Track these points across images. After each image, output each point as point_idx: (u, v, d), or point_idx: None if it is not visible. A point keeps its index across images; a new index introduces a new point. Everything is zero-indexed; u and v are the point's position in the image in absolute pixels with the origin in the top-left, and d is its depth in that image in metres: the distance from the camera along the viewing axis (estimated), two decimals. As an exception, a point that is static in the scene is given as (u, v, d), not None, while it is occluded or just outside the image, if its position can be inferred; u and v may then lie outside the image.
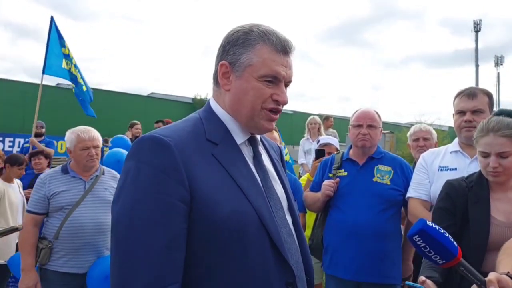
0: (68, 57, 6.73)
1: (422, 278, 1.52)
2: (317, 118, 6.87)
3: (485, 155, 1.82)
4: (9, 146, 19.97)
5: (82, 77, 7.04)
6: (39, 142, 6.99)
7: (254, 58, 1.17)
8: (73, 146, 2.82)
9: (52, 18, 6.57)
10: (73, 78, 6.88)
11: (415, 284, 1.49)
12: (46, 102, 21.71)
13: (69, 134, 2.86)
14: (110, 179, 2.94)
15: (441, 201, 1.95)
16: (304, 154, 6.79)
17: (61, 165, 2.89)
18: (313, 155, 6.51)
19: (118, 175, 3.04)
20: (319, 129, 6.74)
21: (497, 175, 1.81)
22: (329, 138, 4.02)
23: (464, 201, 1.87)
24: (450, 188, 1.94)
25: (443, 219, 1.87)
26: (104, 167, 3.01)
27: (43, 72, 6.53)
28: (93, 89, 7.79)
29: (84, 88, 7.13)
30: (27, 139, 7.36)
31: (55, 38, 6.57)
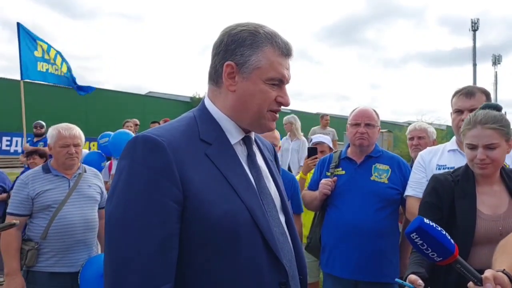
0: (42, 59, 6.73)
1: (412, 277, 1.53)
2: (289, 118, 6.91)
3: (472, 147, 1.83)
4: (7, 145, 19.97)
5: (68, 69, 7.07)
6: (39, 141, 7.07)
7: (263, 61, 1.18)
8: (53, 143, 2.77)
9: (18, 25, 6.57)
10: (53, 78, 6.89)
11: (405, 283, 1.50)
12: (46, 101, 21.65)
13: (51, 130, 2.82)
14: (93, 177, 2.92)
15: (428, 195, 1.96)
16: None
17: (41, 165, 2.85)
18: (290, 155, 6.60)
19: (99, 173, 3.06)
20: (292, 129, 6.84)
21: (485, 167, 1.82)
22: (321, 136, 4.03)
23: (450, 195, 1.88)
24: (437, 182, 1.95)
25: (429, 213, 1.88)
26: (85, 166, 2.98)
27: (21, 78, 6.58)
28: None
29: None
30: (28, 138, 7.45)
31: (25, 43, 6.59)
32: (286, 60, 1.23)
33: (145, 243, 1.01)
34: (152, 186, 1.03)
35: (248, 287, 1.09)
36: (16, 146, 19.52)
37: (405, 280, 1.56)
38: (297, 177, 3.76)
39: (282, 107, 1.28)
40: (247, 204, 1.12)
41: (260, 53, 1.18)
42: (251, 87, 1.18)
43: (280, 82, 1.21)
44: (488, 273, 1.34)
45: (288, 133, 6.93)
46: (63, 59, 7.16)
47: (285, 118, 6.93)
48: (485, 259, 1.71)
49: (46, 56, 6.83)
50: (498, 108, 1.89)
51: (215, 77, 1.24)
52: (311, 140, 3.97)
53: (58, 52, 7.06)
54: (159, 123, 8.00)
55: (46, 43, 6.90)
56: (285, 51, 1.22)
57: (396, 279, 1.53)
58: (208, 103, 1.26)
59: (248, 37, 1.19)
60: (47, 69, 6.81)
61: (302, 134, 6.95)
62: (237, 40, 1.19)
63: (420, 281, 1.51)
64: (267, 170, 1.33)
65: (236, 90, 1.20)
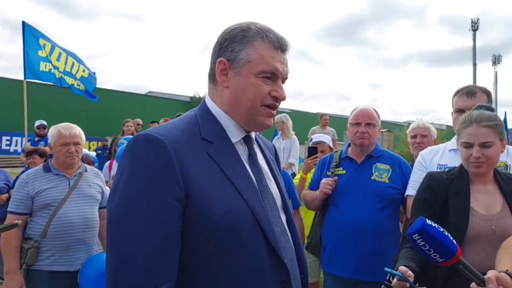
0: (46, 59, 6.69)
1: (402, 268, 1.53)
2: (281, 117, 6.94)
3: (468, 145, 1.83)
4: (6, 145, 19.96)
5: (72, 75, 7.04)
6: (40, 141, 7.08)
7: (253, 55, 1.18)
8: (53, 142, 2.80)
9: (23, 24, 6.51)
10: (55, 79, 6.86)
11: (395, 272, 1.49)
12: (46, 100, 21.58)
13: (51, 130, 2.85)
14: (93, 176, 2.94)
15: (422, 192, 1.96)
16: None
17: (41, 164, 2.88)
18: (282, 154, 6.65)
19: (101, 173, 3.07)
20: (284, 128, 6.88)
21: (480, 166, 1.82)
22: (322, 136, 4.02)
23: (444, 193, 1.89)
24: (431, 179, 1.95)
25: (423, 210, 1.88)
26: (86, 165, 3.00)
27: (24, 77, 6.56)
28: (91, 87, 7.85)
29: (78, 84, 7.14)
30: (29, 138, 7.47)
31: (30, 43, 6.55)
32: (280, 54, 1.22)
33: (146, 241, 1.01)
34: (153, 184, 1.03)
35: (250, 286, 1.09)
36: (16, 145, 19.50)
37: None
38: (298, 176, 3.76)
39: (281, 106, 1.27)
40: (249, 203, 1.12)
41: (250, 47, 1.18)
42: (242, 82, 1.19)
43: (273, 75, 1.20)
44: (490, 273, 1.34)
45: (280, 132, 6.97)
46: (73, 57, 7.10)
47: (277, 117, 6.96)
48: (477, 258, 1.71)
49: (49, 57, 6.82)
50: (491, 109, 1.91)
51: (212, 75, 1.25)
52: (311, 140, 3.96)
53: (66, 51, 7.01)
54: (158, 123, 8.02)
55: (52, 41, 6.86)
56: (278, 44, 1.21)
57: (386, 269, 1.51)
58: (208, 102, 1.27)
59: (239, 33, 1.20)
60: (50, 69, 6.80)
61: (293, 133, 7.02)
62: (229, 37, 1.21)
63: (410, 272, 1.50)
64: (268, 170, 1.33)
65: (229, 86, 1.20)
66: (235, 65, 1.19)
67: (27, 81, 6.65)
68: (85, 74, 7.37)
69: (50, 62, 6.78)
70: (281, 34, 1.24)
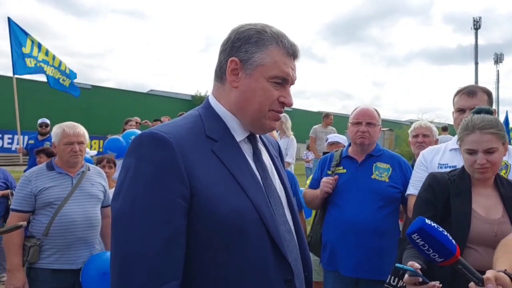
0: (30, 55, 6.75)
1: (413, 263, 1.52)
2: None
3: (472, 152, 1.83)
4: (8, 143, 19.97)
5: (60, 70, 7.08)
6: (44, 140, 7.10)
7: (267, 59, 1.19)
8: (57, 141, 2.82)
9: (9, 20, 6.54)
10: (41, 72, 6.91)
11: (405, 266, 1.48)
12: (47, 99, 21.58)
13: (56, 129, 2.87)
14: (96, 175, 2.96)
15: (424, 192, 1.96)
16: None
17: (45, 163, 2.90)
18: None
19: (103, 172, 3.09)
20: (283, 127, 6.89)
21: (485, 172, 1.82)
22: (337, 136, 3.98)
23: (446, 193, 1.88)
24: (433, 179, 1.96)
25: (424, 210, 1.88)
26: (89, 164, 3.02)
27: (13, 73, 6.65)
28: (92, 86, 7.92)
29: (63, 80, 7.19)
30: (31, 136, 7.48)
31: (15, 39, 6.63)
32: (291, 61, 1.24)
33: (152, 240, 1.01)
34: (159, 183, 1.03)
35: (254, 285, 1.09)
36: (18, 144, 19.52)
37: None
38: (310, 177, 3.75)
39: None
40: (254, 202, 1.12)
41: (265, 51, 1.19)
42: (253, 84, 1.19)
43: (283, 81, 1.22)
44: (489, 273, 1.34)
45: (278, 131, 7.00)
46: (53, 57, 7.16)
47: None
48: (477, 259, 1.71)
49: (34, 53, 6.83)
50: (490, 112, 1.89)
51: (220, 73, 1.25)
52: (326, 140, 3.94)
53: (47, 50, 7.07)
54: (161, 121, 8.02)
55: (34, 41, 6.91)
56: (291, 51, 1.23)
57: (397, 264, 1.51)
58: (212, 101, 1.27)
59: (254, 35, 1.20)
60: (35, 64, 6.83)
61: (292, 133, 7.05)
62: (243, 37, 1.21)
63: (418, 266, 1.50)
64: (273, 167, 1.33)
65: (238, 86, 1.20)
66: (247, 67, 1.19)
67: (29, 79, 6.69)
68: (67, 71, 7.42)
69: (36, 58, 6.82)
70: (293, 40, 1.25)
